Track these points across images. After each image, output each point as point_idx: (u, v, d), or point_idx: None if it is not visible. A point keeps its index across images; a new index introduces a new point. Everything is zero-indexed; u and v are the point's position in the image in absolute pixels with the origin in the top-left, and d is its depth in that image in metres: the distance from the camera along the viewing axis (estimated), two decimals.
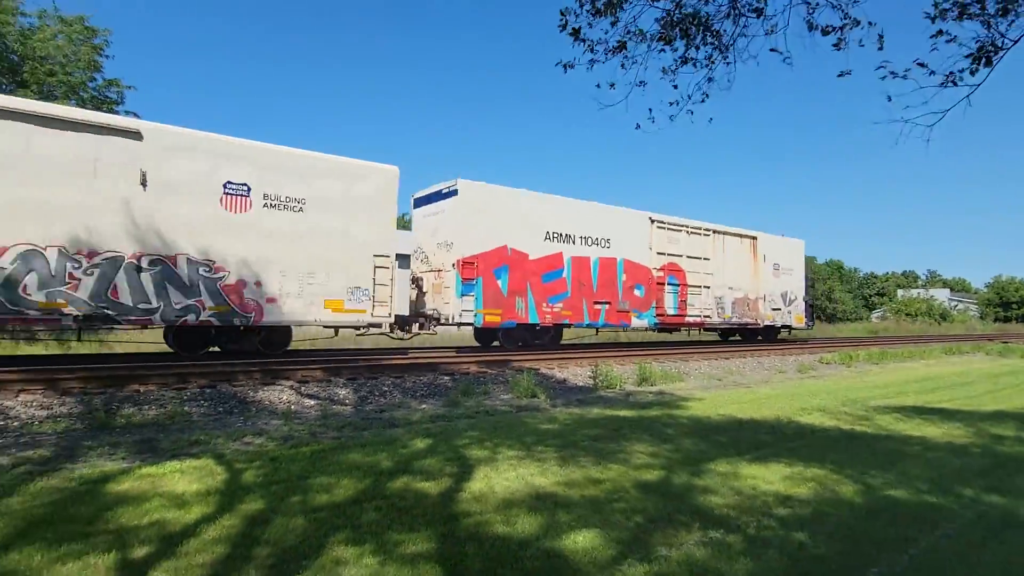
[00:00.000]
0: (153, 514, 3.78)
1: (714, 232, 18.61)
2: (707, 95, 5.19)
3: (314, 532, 3.56)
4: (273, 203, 10.50)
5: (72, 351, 13.05)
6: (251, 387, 8.11)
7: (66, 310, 8.69)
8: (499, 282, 13.49)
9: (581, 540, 3.51)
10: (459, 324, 12.89)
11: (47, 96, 18.31)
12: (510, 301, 13.62)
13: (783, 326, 21.04)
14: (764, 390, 10.39)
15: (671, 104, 5.21)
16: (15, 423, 6.37)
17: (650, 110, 5.46)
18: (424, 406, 8.05)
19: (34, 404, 6.87)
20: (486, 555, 3.29)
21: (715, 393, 9.90)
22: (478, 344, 15.78)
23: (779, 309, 20.74)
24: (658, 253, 16.99)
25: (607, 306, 15.58)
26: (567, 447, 5.67)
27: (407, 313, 13.17)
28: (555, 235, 14.58)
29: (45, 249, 8.64)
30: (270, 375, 8.60)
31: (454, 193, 13.22)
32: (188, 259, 9.70)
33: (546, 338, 14.91)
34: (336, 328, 11.73)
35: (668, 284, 17.15)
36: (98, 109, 19.19)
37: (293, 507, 3.94)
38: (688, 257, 17.81)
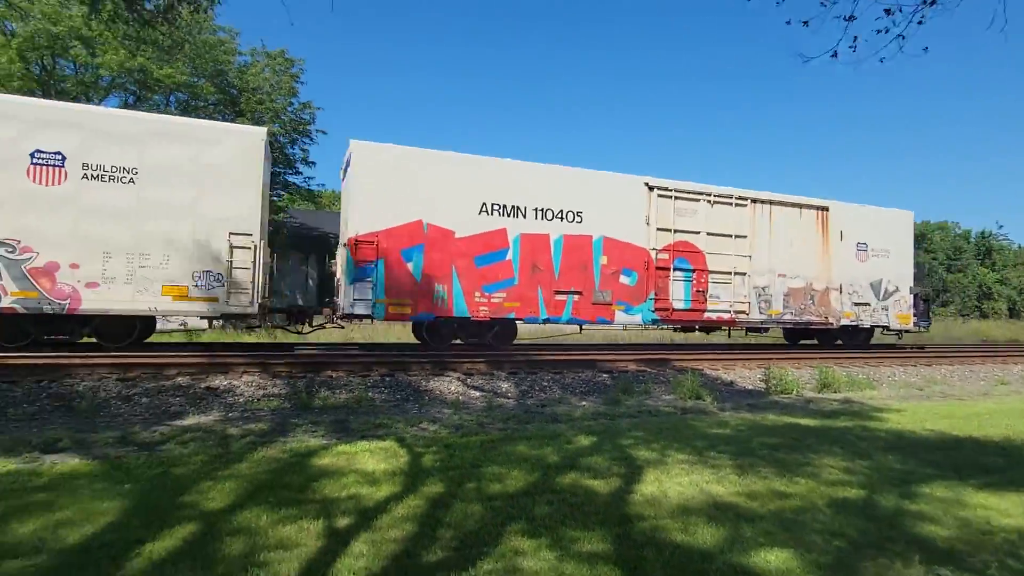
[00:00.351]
0: (350, 488, 4.11)
1: (753, 201, 14.12)
2: (924, 15, 4.55)
3: (491, 520, 3.62)
4: (95, 174, 9.10)
5: (277, 340, 14.30)
6: (423, 377, 8.58)
7: None
8: (410, 265, 10.96)
9: (773, 560, 3.18)
10: (352, 316, 10.62)
11: (257, 122, 20.24)
12: (426, 289, 11.02)
13: (877, 327, 15.53)
14: (983, 404, 8.93)
15: (879, 33, 4.65)
16: (240, 399, 7.33)
17: (855, 37, 4.70)
18: (584, 403, 8.07)
19: (253, 384, 7.78)
20: (666, 563, 3.10)
21: (916, 404, 8.78)
22: (418, 341, 13.30)
23: (866, 304, 15.35)
24: (660, 229, 13.13)
25: (577, 297, 12.24)
26: (743, 455, 5.31)
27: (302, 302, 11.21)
28: (496, 207, 11.65)
29: None
30: (439, 367, 9.03)
31: (350, 159, 10.96)
32: None
33: (488, 335, 12.02)
34: (210, 318, 10.10)
35: (676, 269, 13.22)
36: (295, 130, 21.77)
37: (469, 493, 4.08)
38: (710, 234, 13.63)
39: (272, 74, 22.78)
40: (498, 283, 11.63)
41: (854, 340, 15.80)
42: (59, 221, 8.92)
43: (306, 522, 3.49)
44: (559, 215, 12.17)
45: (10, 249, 8.73)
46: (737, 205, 13.97)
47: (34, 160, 8.87)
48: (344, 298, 10.64)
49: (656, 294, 12.97)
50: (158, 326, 15.93)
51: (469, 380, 8.73)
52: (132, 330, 10.04)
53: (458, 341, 12.07)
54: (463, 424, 6.48)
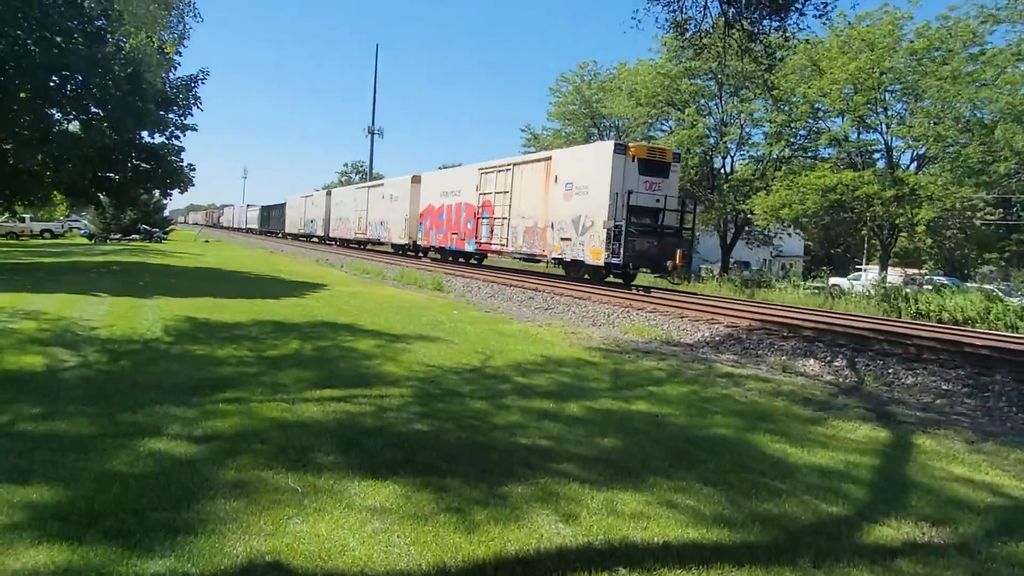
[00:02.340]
0: None
1: (514, 165, 22.59)
2: None
3: None
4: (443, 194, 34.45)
5: None
6: None
7: None
8: (427, 222, 29.99)
9: None
10: (414, 247, 30.84)
11: None
12: (428, 232, 29.74)
13: (573, 261, 19.07)
14: None
15: None
16: None
17: None
18: None
19: None
20: None
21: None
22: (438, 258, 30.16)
23: (569, 239, 19.34)
24: (481, 194, 24.94)
25: (455, 235, 27.02)
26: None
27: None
28: (443, 193, 28.42)
29: None
30: None
31: (419, 180, 30.94)
32: None
33: (446, 255, 28.76)
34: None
35: (483, 218, 24.66)
36: None
37: None
38: (496, 193, 23.80)
39: None
40: (441, 229, 28.22)
41: (577, 273, 19.37)
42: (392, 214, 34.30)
43: None
44: (454, 193, 26.90)
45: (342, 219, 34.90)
46: (506, 170, 22.84)
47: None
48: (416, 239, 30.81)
49: (476, 234, 24.95)
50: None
51: None
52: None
53: (450, 259, 29.09)
54: None
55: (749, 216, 31.62)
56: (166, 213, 62.95)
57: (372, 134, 52.34)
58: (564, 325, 11.70)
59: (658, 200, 16.81)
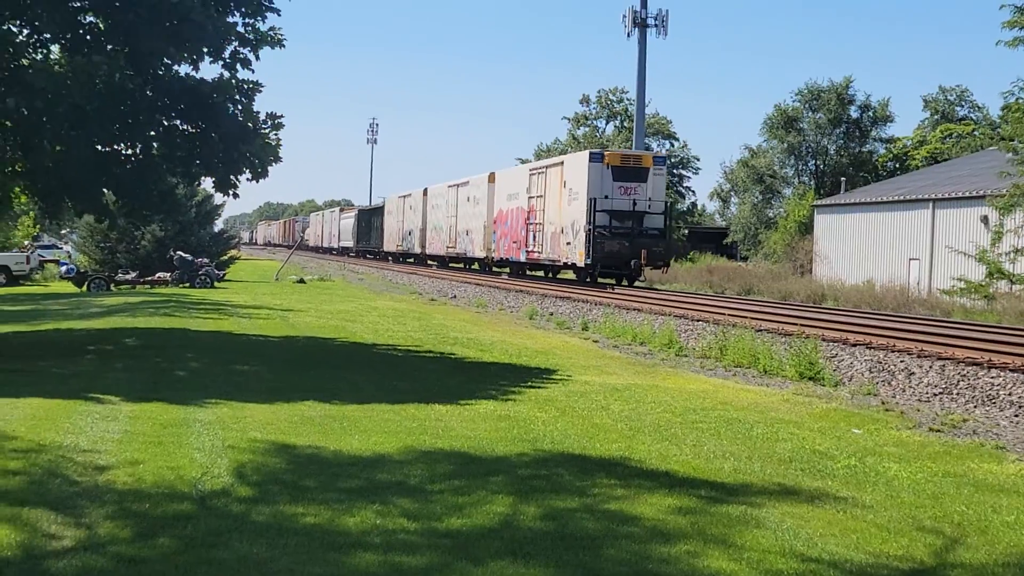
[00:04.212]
0: None
1: (547, 168, 37.26)
2: None
3: None
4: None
5: None
6: None
7: None
8: (499, 229, 45.22)
9: None
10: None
11: None
12: (499, 242, 44.91)
13: (573, 264, 32.83)
14: None
15: None
16: None
17: None
18: None
19: None
20: None
21: None
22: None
23: (570, 243, 33.71)
24: (529, 197, 40.53)
25: (515, 244, 41.99)
26: None
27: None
28: (508, 196, 43.85)
29: None
30: None
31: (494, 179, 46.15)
32: None
33: (513, 270, 43.63)
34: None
35: (530, 224, 39.72)
36: None
37: None
38: (536, 196, 39.02)
39: None
40: (505, 239, 43.40)
41: (579, 276, 33.35)
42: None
43: None
44: (514, 196, 42.13)
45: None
46: (540, 173, 37.71)
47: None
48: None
49: (526, 241, 39.67)
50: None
51: None
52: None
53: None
54: None
55: None
56: (219, 225, 62.18)
57: None
58: None
59: (635, 203, 29.66)
